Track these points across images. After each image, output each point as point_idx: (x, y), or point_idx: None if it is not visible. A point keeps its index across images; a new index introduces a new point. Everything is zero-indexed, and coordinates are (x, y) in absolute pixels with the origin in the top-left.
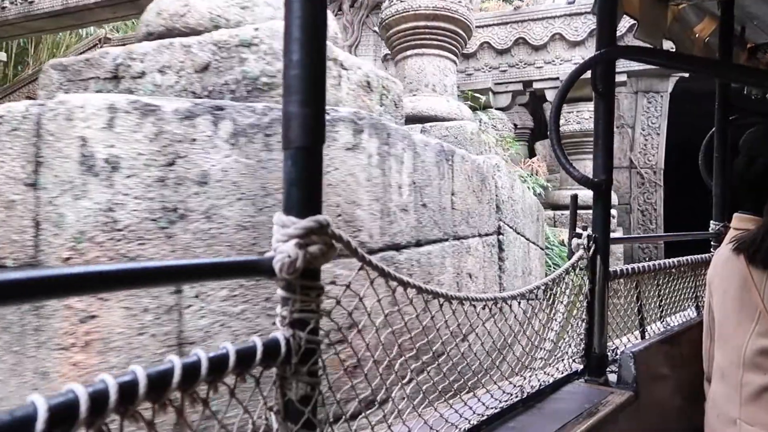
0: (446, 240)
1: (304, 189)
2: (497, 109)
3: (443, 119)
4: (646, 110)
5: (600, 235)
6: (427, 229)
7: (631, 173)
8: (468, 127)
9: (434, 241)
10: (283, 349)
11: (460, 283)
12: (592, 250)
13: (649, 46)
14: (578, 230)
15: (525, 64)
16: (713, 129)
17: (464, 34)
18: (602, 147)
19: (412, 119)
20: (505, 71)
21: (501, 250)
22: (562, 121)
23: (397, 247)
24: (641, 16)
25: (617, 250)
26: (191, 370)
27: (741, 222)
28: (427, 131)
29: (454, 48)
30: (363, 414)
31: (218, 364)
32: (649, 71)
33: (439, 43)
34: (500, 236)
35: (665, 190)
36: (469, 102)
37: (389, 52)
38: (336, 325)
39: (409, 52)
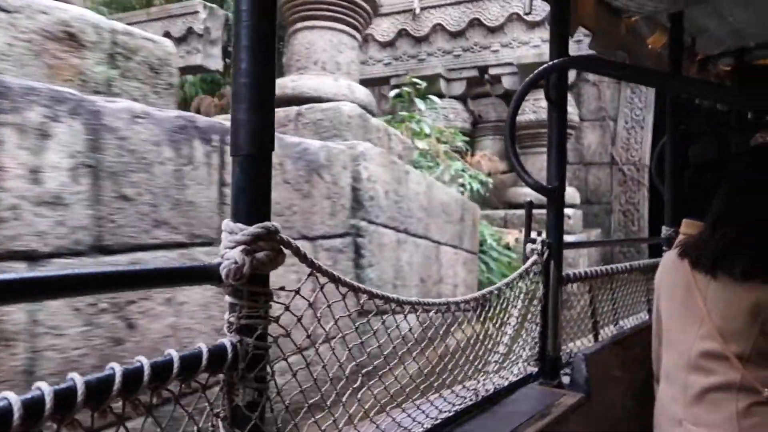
0: (197, 245)
1: (252, 196)
2: (452, 97)
3: (329, 101)
4: (630, 101)
5: (553, 240)
6: (132, 230)
7: (612, 170)
8: (345, 109)
9: (156, 247)
10: (229, 355)
11: None
12: (545, 255)
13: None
14: (533, 235)
15: (480, 47)
16: (665, 138)
17: (366, 6)
18: (555, 154)
19: (291, 100)
20: (459, 56)
21: (359, 255)
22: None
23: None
24: (595, 27)
25: (595, 253)
26: (133, 377)
27: (689, 228)
28: (303, 114)
29: (352, 21)
30: (313, 419)
31: (162, 371)
32: None
33: (332, 14)
34: (359, 239)
35: (650, 188)
36: (406, 88)
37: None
38: (285, 331)
39: (298, 25)
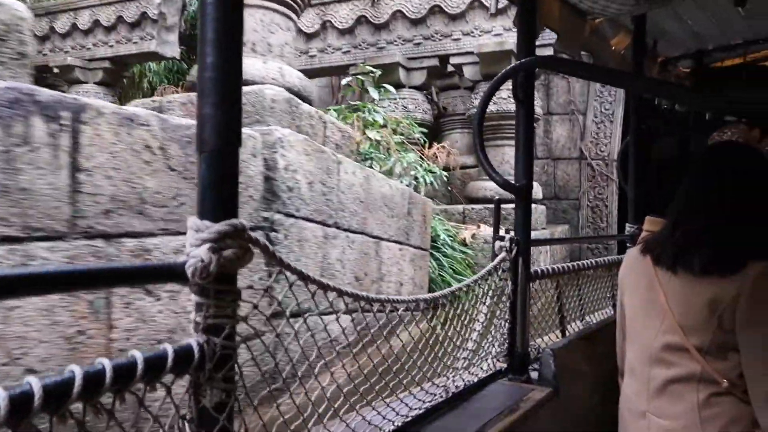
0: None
1: (219, 192)
2: (412, 87)
3: (255, 84)
4: (600, 95)
5: (522, 237)
6: None
7: (581, 165)
8: (268, 93)
9: None
10: (196, 355)
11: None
12: (514, 252)
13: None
14: (501, 233)
15: (441, 35)
16: (628, 137)
17: None
18: (523, 152)
19: None
20: (419, 44)
21: None
22: (477, 102)
23: None
24: (561, 28)
25: (563, 250)
26: (94, 380)
27: (652, 225)
28: None
29: (286, 0)
30: (282, 419)
31: (125, 373)
32: None
33: None
34: (273, 233)
35: (619, 184)
36: (359, 76)
37: None
38: (253, 330)
39: None
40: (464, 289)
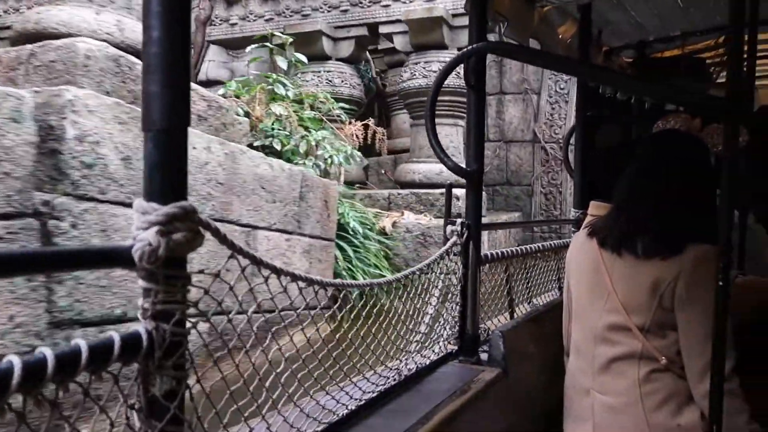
0: None
1: (167, 173)
2: (340, 60)
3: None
4: (554, 73)
5: (472, 222)
6: None
7: (534, 149)
8: (81, 48)
9: None
10: (145, 342)
11: None
12: (465, 237)
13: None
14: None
15: (370, 2)
16: (573, 124)
17: None
18: (474, 137)
19: (32, 38)
20: (346, 11)
21: (52, 244)
22: (407, 75)
23: None
24: (510, 15)
25: (513, 238)
26: (35, 370)
27: (596, 209)
28: (36, 55)
29: None
30: (235, 406)
31: (68, 362)
32: None
33: None
34: (54, 221)
35: None
36: (268, 45)
37: None
38: (204, 317)
39: None
40: (416, 272)
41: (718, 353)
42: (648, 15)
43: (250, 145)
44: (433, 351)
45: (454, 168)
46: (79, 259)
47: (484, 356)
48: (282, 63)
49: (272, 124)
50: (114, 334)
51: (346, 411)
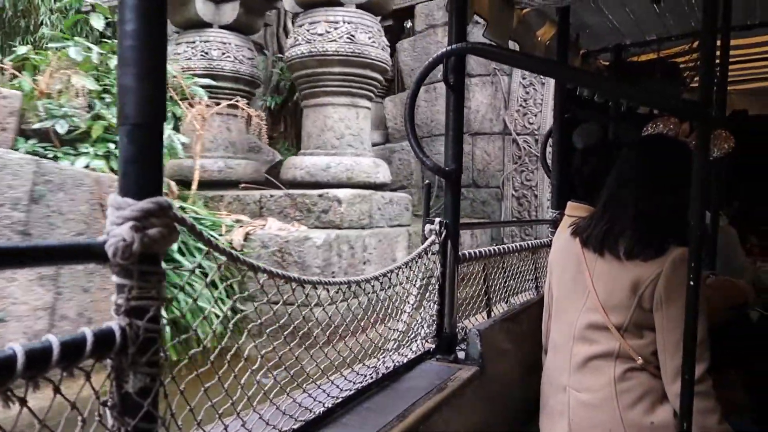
0: None
1: (143, 168)
2: (224, 27)
3: None
4: None
5: (451, 221)
6: None
7: (505, 142)
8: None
9: None
10: (118, 339)
11: None
12: (443, 236)
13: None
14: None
15: None
16: (551, 125)
17: None
18: (452, 137)
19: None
20: None
21: None
22: (290, 42)
23: None
24: (490, 16)
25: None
26: (4, 366)
27: (574, 210)
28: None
29: None
30: (210, 404)
31: (39, 358)
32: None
33: None
34: None
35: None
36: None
37: None
38: (180, 313)
39: None
40: (395, 271)
41: (688, 353)
42: (625, 19)
43: (22, 131)
44: (411, 349)
45: (433, 167)
46: (51, 253)
47: (461, 354)
48: (97, 22)
49: (62, 101)
50: (86, 329)
51: (322, 409)
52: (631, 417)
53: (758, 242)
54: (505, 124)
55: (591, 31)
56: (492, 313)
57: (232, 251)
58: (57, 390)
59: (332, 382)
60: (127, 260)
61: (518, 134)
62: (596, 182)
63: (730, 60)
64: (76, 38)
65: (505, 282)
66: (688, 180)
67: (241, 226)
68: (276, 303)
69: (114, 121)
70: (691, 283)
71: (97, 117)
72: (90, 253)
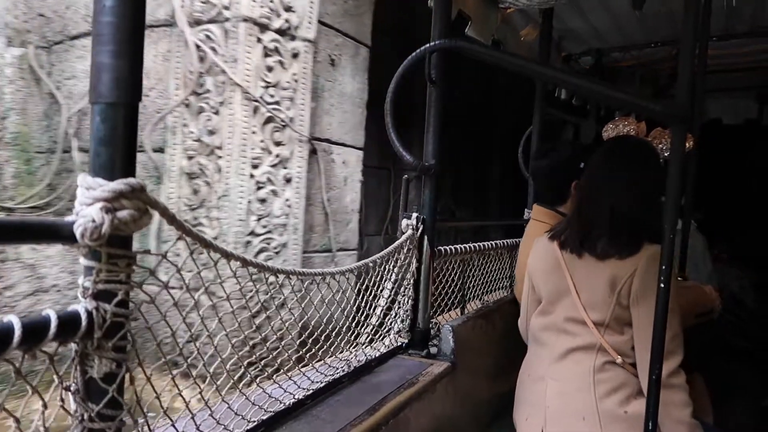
0: None
1: (115, 149)
2: None
3: None
4: None
5: (428, 216)
6: None
7: None
8: None
9: None
10: (84, 322)
11: None
12: (420, 231)
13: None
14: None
15: None
16: (530, 127)
17: None
18: (433, 133)
19: None
20: None
21: None
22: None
23: None
24: (473, 14)
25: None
26: None
27: (542, 215)
28: None
29: None
30: (178, 392)
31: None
32: None
33: None
34: None
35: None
36: None
37: None
38: (150, 298)
39: None
40: (371, 264)
41: (656, 348)
42: (607, 24)
43: None
44: (384, 343)
45: (413, 164)
46: (17, 232)
47: (434, 350)
48: None
49: None
50: (50, 311)
51: (292, 400)
52: (606, 406)
53: (725, 249)
54: None
55: (573, 34)
56: (465, 309)
57: (205, 237)
58: (18, 372)
59: (303, 374)
60: (96, 242)
61: None
62: (559, 186)
63: (708, 70)
64: None
65: (481, 279)
66: (656, 178)
67: None
68: (249, 292)
69: None
70: (662, 285)
71: None
72: (58, 234)
